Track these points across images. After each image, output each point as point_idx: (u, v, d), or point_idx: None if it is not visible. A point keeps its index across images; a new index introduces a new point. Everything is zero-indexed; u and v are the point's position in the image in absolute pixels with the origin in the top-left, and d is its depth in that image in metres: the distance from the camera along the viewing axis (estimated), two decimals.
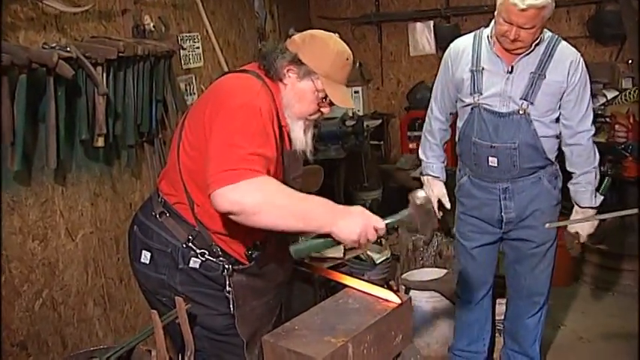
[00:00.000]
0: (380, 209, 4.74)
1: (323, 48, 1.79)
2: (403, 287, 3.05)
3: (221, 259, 1.83)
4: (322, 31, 1.87)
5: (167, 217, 1.86)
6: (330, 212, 1.60)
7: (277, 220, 1.57)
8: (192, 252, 1.82)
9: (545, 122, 2.40)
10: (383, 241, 4.54)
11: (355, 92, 5.40)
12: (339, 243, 1.63)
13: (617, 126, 4.13)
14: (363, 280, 1.87)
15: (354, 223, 1.58)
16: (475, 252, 2.67)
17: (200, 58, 3.47)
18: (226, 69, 3.48)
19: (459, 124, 2.56)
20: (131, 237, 1.96)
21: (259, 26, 4.45)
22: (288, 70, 1.78)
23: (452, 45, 2.56)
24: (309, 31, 1.86)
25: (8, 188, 2.08)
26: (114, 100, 2.43)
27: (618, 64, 4.77)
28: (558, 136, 2.47)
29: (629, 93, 4.46)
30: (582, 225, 2.51)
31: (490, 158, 2.45)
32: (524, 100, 2.37)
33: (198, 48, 3.44)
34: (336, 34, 1.87)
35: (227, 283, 1.84)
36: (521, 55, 2.35)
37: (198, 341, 1.80)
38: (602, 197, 2.49)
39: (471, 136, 2.48)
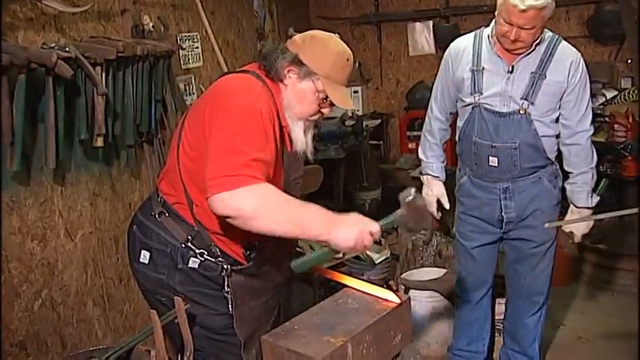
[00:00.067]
0: (379, 209, 4.78)
1: (323, 49, 1.79)
2: (402, 287, 3.05)
3: (220, 259, 1.83)
4: (323, 32, 1.87)
5: (166, 217, 1.86)
6: (326, 221, 1.62)
7: (274, 226, 1.59)
8: (192, 252, 1.82)
9: (546, 122, 2.40)
10: (382, 240, 4.55)
11: (354, 92, 5.41)
12: (336, 252, 1.65)
13: (616, 125, 4.13)
14: (363, 279, 1.87)
15: (350, 230, 1.61)
16: (475, 252, 2.67)
17: (199, 58, 3.47)
18: (225, 69, 3.48)
19: (460, 123, 2.56)
20: (130, 237, 1.96)
21: (258, 26, 4.45)
22: (288, 71, 1.78)
23: (452, 44, 2.56)
24: (310, 32, 1.86)
25: (7, 188, 2.08)
26: (113, 100, 2.43)
27: (617, 64, 4.77)
28: (558, 136, 2.47)
29: (629, 92, 4.47)
30: (577, 225, 2.51)
31: (490, 158, 2.45)
32: (525, 99, 2.36)
33: (197, 48, 3.44)
34: (337, 35, 1.87)
35: (226, 283, 1.84)
36: (522, 55, 2.35)
37: (197, 341, 1.80)
38: (598, 198, 2.50)
39: (471, 136, 2.48)
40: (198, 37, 3.45)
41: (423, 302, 3.01)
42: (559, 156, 2.52)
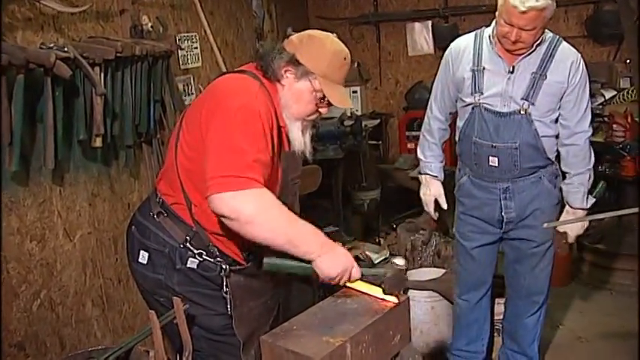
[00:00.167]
0: (378, 209, 4.78)
1: (320, 48, 1.79)
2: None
3: (218, 259, 1.83)
4: (320, 31, 1.86)
5: (165, 218, 1.86)
6: (319, 242, 1.65)
7: (267, 234, 1.61)
8: (190, 252, 1.82)
9: (546, 122, 2.40)
10: (381, 241, 4.56)
11: (353, 92, 5.41)
12: (313, 272, 1.68)
13: (615, 125, 4.14)
14: (362, 280, 1.86)
15: (339, 261, 1.66)
16: (475, 252, 2.66)
17: (198, 59, 3.47)
18: (224, 69, 3.48)
19: (459, 123, 2.56)
20: (129, 237, 1.96)
21: (257, 26, 4.45)
22: (285, 71, 1.78)
23: (452, 44, 2.56)
24: (307, 31, 1.86)
25: (6, 189, 2.08)
26: (112, 101, 2.42)
27: (616, 64, 4.78)
28: (558, 136, 2.47)
29: (627, 92, 4.47)
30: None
31: (491, 158, 2.45)
32: (526, 100, 2.36)
33: (196, 48, 3.44)
34: (334, 34, 1.87)
35: (224, 283, 1.84)
36: (523, 56, 2.35)
37: (196, 341, 1.80)
38: (594, 200, 2.50)
39: (471, 136, 2.48)
40: (197, 38, 3.45)
41: (422, 302, 3.01)
42: (559, 156, 2.52)
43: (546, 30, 2.34)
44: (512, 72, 2.38)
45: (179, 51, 3.22)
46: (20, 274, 2.16)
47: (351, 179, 4.71)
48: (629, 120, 4.08)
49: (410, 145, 5.29)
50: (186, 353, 1.76)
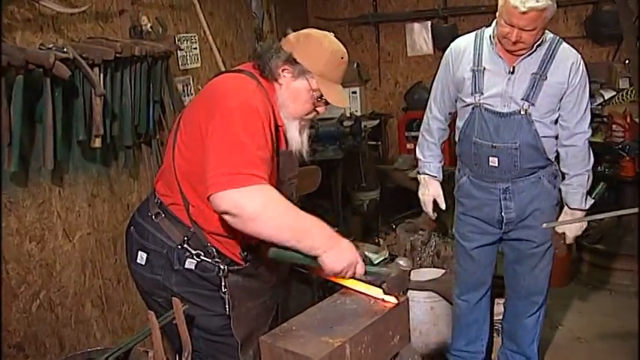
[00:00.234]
0: (378, 209, 4.78)
1: (317, 47, 1.79)
2: None
3: (216, 259, 1.83)
4: (317, 30, 1.86)
5: (163, 218, 1.85)
6: (325, 237, 1.64)
7: (272, 230, 1.60)
8: (188, 253, 1.82)
9: (546, 123, 2.40)
10: (381, 241, 4.55)
11: (353, 92, 5.41)
12: (319, 266, 1.66)
13: (614, 126, 4.14)
14: (361, 280, 1.86)
15: (343, 256, 1.64)
16: (474, 252, 2.67)
17: (197, 59, 3.47)
18: (224, 69, 3.48)
19: (459, 124, 2.56)
20: (128, 238, 1.96)
21: (257, 27, 4.45)
22: (282, 70, 1.78)
23: (453, 44, 2.56)
24: (304, 30, 1.86)
25: (5, 189, 2.08)
26: (111, 101, 2.42)
27: (615, 64, 4.78)
28: (558, 137, 2.47)
29: (626, 93, 4.47)
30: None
31: (491, 158, 2.45)
32: (526, 100, 2.37)
33: (195, 49, 3.44)
34: (332, 34, 1.87)
35: (223, 283, 1.83)
36: (523, 56, 2.35)
37: (194, 342, 1.80)
38: (592, 201, 2.49)
39: (471, 136, 2.48)
40: (197, 38, 3.45)
41: (422, 303, 3.00)
42: (558, 157, 2.52)
43: (546, 31, 2.34)
44: (512, 72, 2.38)
45: (178, 51, 3.22)
46: (19, 275, 2.16)
47: (350, 180, 4.71)
48: (628, 120, 4.09)
49: (409, 146, 5.28)
50: (186, 354, 1.76)
